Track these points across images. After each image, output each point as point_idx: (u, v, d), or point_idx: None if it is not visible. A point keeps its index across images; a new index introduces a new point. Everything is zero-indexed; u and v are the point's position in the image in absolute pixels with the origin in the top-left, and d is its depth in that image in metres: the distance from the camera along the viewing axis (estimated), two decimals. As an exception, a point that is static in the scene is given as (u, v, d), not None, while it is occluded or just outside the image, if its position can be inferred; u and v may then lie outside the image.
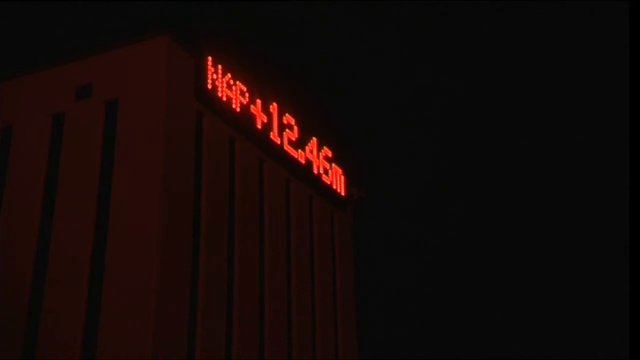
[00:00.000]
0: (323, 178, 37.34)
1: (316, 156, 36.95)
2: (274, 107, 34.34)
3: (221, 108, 31.33)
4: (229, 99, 31.79)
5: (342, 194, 38.61)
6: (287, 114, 35.12)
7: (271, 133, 33.97)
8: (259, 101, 33.46)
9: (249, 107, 32.89)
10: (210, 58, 30.96)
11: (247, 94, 32.82)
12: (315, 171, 36.83)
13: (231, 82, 32.00)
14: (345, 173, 38.93)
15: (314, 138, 36.93)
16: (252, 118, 32.95)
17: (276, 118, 34.41)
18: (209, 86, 30.76)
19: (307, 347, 33.57)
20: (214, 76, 31.07)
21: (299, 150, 35.78)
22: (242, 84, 32.58)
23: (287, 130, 35.01)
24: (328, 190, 37.71)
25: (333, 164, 38.25)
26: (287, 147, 34.91)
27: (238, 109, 32.17)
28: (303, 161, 35.92)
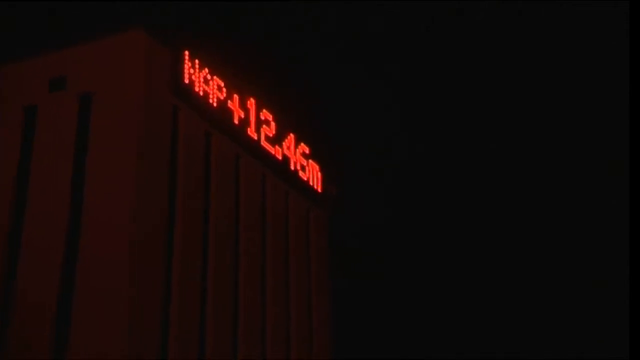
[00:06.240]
0: (300, 174, 37.19)
1: (293, 152, 36.78)
2: (251, 103, 34.08)
3: (198, 103, 31.00)
4: (206, 94, 31.47)
5: (319, 190, 38.49)
6: (264, 110, 34.89)
7: (248, 129, 33.72)
8: (236, 96, 33.18)
9: (226, 102, 32.60)
10: (187, 52, 30.61)
11: (224, 89, 32.53)
12: (292, 167, 36.65)
13: (208, 76, 31.67)
14: (322, 169, 38.80)
15: (291, 134, 36.75)
16: (229, 113, 32.67)
17: (253, 114, 34.16)
18: (186, 80, 30.42)
19: (280, 344, 33.41)
20: (191, 70, 30.73)
21: (276, 146, 35.58)
22: (220, 78, 32.28)
23: (264, 126, 34.78)
24: (305, 186, 37.56)
25: (310, 161, 38.09)
26: (264, 143, 34.68)
27: (215, 104, 31.88)
28: (280, 157, 35.72)
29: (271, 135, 35.22)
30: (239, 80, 33.55)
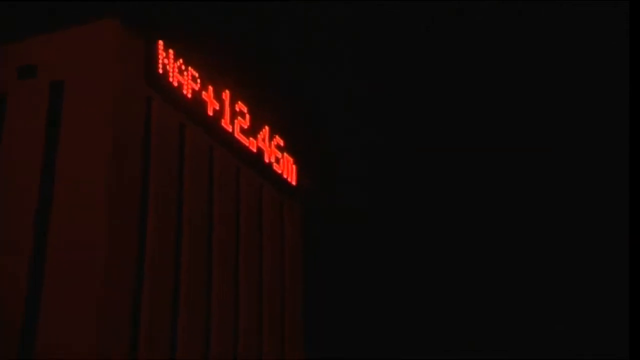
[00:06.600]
0: (274, 167, 36.88)
1: (268, 145, 36.45)
2: (226, 94, 33.67)
3: (172, 93, 30.53)
4: (180, 85, 31.01)
5: (293, 183, 38.21)
6: (239, 102, 34.50)
7: (222, 120, 33.33)
8: (211, 88, 32.75)
9: (201, 94, 32.16)
10: (161, 42, 30.11)
11: (199, 80, 32.08)
12: (267, 160, 36.32)
13: (183, 67, 31.19)
14: (296, 162, 38.50)
15: (266, 126, 36.39)
16: (203, 105, 32.24)
17: (228, 105, 33.76)
18: (160, 71, 29.92)
19: (253, 340, 33.14)
20: (165, 60, 30.22)
21: (250, 139, 35.22)
22: (194, 69, 31.82)
23: (238, 117, 34.40)
24: (279, 179, 37.26)
25: (284, 153, 37.77)
26: (239, 135, 34.31)
27: (189, 95, 31.43)
28: (254, 149, 35.37)
29: (246, 127, 34.85)
30: (214, 71, 33.10)
